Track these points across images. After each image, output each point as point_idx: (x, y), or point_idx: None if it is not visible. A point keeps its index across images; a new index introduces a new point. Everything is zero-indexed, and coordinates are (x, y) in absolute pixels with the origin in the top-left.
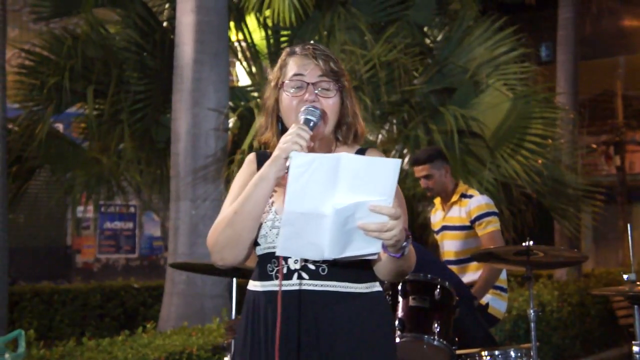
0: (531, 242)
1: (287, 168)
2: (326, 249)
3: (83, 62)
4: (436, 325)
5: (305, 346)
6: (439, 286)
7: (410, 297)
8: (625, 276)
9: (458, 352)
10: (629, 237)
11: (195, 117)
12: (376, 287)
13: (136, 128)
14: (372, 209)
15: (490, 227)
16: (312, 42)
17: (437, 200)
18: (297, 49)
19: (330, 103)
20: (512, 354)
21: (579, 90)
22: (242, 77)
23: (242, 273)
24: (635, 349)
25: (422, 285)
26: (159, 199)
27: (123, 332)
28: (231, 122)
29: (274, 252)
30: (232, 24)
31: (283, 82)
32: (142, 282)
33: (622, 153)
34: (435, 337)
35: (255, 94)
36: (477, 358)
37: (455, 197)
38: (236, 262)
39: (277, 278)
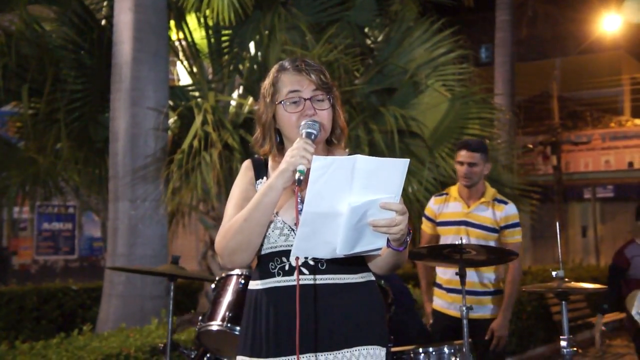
0: (464, 240)
1: (296, 180)
2: (338, 247)
3: (17, 60)
4: None
5: (309, 334)
6: None
7: None
8: (553, 273)
9: (393, 349)
10: (558, 236)
11: (134, 117)
12: (369, 276)
13: (73, 127)
14: (383, 206)
15: (517, 237)
16: (300, 57)
17: (455, 192)
18: (288, 65)
19: (325, 114)
20: (446, 350)
21: (516, 92)
22: (183, 76)
23: (181, 275)
24: (562, 343)
25: None
26: (98, 199)
27: (58, 334)
28: (171, 121)
29: (276, 252)
30: (172, 22)
31: (281, 101)
32: (81, 284)
33: (558, 153)
34: None
35: (196, 94)
36: (412, 355)
37: (487, 198)
38: (244, 264)
39: (278, 275)
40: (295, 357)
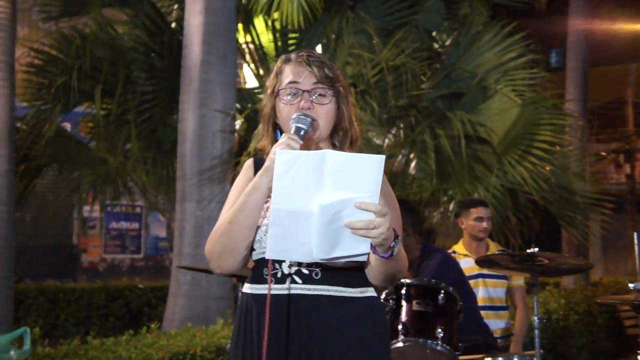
0: (536, 249)
1: None
2: (315, 249)
3: (91, 61)
4: (439, 330)
5: (296, 350)
6: (443, 291)
7: (414, 302)
8: (631, 285)
9: (461, 357)
10: (636, 246)
11: (202, 118)
12: (370, 292)
13: (143, 128)
14: (358, 206)
15: (520, 281)
16: (307, 49)
17: (461, 249)
18: (292, 56)
19: (325, 110)
20: None
21: (588, 98)
22: (249, 78)
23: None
24: None
25: (426, 289)
26: (164, 199)
27: (127, 331)
28: (238, 123)
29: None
30: (240, 25)
31: (279, 90)
32: (147, 283)
33: (632, 161)
34: (439, 342)
35: (263, 96)
36: None
37: (492, 250)
38: (233, 270)
39: (271, 282)
40: None
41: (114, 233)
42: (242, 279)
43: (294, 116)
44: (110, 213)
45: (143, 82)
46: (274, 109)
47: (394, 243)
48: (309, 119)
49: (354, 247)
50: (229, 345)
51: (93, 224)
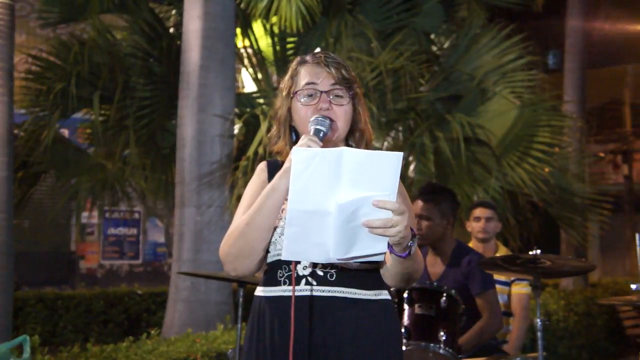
0: (538, 251)
1: None
2: (331, 250)
3: (89, 67)
4: (442, 333)
5: (313, 351)
6: (445, 294)
7: (416, 305)
8: (633, 286)
9: None
10: (637, 247)
11: (201, 123)
12: (384, 294)
13: (142, 134)
14: (376, 204)
15: (524, 289)
16: (322, 50)
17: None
18: (308, 58)
19: (343, 110)
20: None
21: (586, 99)
22: (248, 83)
23: (251, 282)
24: None
25: (428, 293)
26: (163, 205)
27: (127, 338)
28: (237, 128)
29: (284, 260)
30: (238, 30)
31: (296, 92)
32: (145, 289)
33: (630, 162)
34: (441, 345)
35: (261, 101)
36: None
37: (501, 253)
38: (248, 272)
39: (284, 284)
40: None
41: (112, 239)
42: (242, 285)
43: (312, 118)
44: (109, 219)
45: (142, 88)
46: (289, 111)
47: (411, 242)
48: (327, 121)
49: (371, 247)
50: (229, 350)
51: (91, 230)
